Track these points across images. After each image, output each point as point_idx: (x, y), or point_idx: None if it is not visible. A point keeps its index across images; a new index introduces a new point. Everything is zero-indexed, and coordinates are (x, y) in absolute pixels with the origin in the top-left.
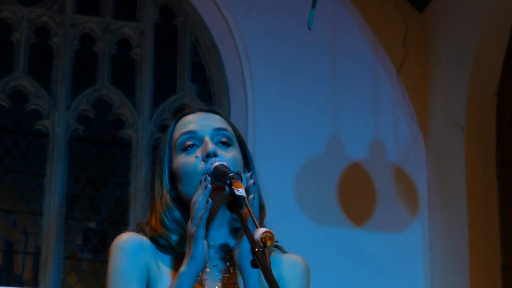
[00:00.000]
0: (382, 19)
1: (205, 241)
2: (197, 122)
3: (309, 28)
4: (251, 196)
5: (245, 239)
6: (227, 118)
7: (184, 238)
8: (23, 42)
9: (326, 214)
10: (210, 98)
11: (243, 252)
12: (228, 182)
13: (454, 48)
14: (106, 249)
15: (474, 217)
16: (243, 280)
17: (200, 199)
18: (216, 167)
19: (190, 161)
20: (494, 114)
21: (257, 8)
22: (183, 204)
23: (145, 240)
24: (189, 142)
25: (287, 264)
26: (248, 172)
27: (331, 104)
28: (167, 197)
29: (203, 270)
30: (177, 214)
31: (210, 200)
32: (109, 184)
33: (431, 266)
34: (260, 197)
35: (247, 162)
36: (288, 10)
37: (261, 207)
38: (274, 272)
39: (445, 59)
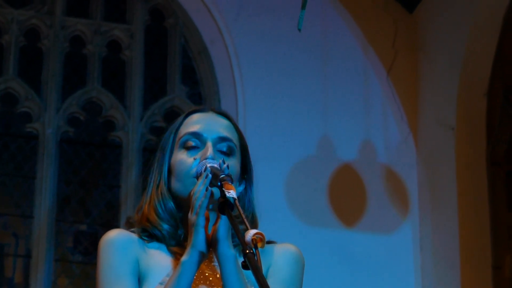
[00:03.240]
0: (372, 20)
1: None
2: (204, 124)
3: (299, 30)
4: (225, 165)
5: (221, 223)
6: (236, 123)
7: (175, 229)
8: (13, 44)
9: (317, 215)
10: (201, 100)
11: (218, 235)
12: (219, 184)
13: (444, 49)
14: (97, 251)
15: (464, 217)
16: (219, 263)
17: (200, 188)
18: (206, 169)
19: (187, 161)
20: (484, 115)
21: (247, 10)
22: (175, 197)
23: (133, 235)
24: (192, 143)
25: (278, 252)
26: (245, 181)
27: (321, 106)
28: (163, 187)
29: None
30: (171, 205)
31: (210, 188)
32: (100, 186)
33: (422, 267)
34: (253, 210)
35: (246, 170)
36: (278, 12)
37: (254, 220)
38: (265, 260)
39: (435, 60)
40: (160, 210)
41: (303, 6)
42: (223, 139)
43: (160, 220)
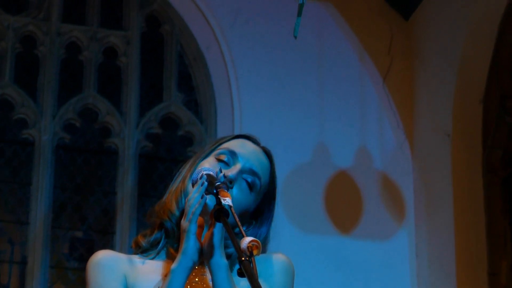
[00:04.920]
0: (368, 27)
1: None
2: (246, 152)
3: (295, 37)
4: (221, 173)
5: (215, 231)
6: (275, 170)
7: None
8: (9, 51)
9: (313, 222)
10: (197, 107)
11: (211, 244)
12: (215, 191)
13: (440, 56)
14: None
15: (460, 224)
16: (210, 271)
17: (195, 195)
18: (202, 176)
19: (210, 167)
20: (480, 122)
21: (243, 17)
22: None
23: (120, 255)
24: (225, 158)
25: (268, 261)
26: (255, 224)
27: (317, 112)
28: (188, 183)
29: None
30: None
31: (205, 195)
32: (96, 192)
33: (417, 273)
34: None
35: (260, 214)
36: (274, 19)
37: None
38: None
39: (431, 66)
40: (179, 201)
41: (299, 13)
42: (253, 172)
43: (177, 210)
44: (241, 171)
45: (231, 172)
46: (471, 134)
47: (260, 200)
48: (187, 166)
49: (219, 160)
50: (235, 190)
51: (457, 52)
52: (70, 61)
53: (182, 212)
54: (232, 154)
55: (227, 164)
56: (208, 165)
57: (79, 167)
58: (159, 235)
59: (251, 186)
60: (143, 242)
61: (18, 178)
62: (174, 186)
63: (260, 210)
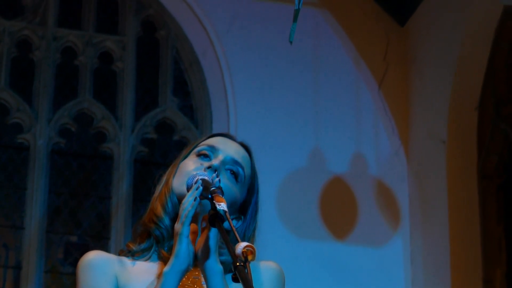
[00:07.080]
0: (364, 33)
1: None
2: (225, 144)
3: (291, 42)
4: (217, 178)
5: (211, 236)
6: (254, 163)
7: (171, 229)
8: (4, 55)
9: (308, 228)
10: (192, 112)
11: (207, 249)
12: (210, 196)
13: (435, 62)
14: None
15: (455, 231)
16: (204, 276)
17: (189, 199)
18: (197, 181)
19: (194, 163)
20: (475, 128)
21: (239, 22)
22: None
23: (111, 255)
24: (206, 152)
25: (259, 269)
26: (244, 217)
27: (312, 118)
28: (171, 184)
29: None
30: (175, 199)
31: (198, 198)
32: (91, 197)
33: (412, 280)
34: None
35: (246, 210)
36: (269, 24)
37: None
38: None
39: (426, 73)
40: (165, 203)
41: (295, 19)
42: (235, 162)
43: (165, 213)
44: (223, 162)
45: (214, 161)
46: (467, 140)
47: (245, 194)
48: (168, 170)
49: (200, 155)
50: (221, 179)
51: (452, 59)
52: (66, 65)
53: (169, 215)
54: (213, 148)
55: (209, 158)
56: (191, 163)
57: (74, 171)
58: (148, 243)
59: (236, 175)
60: (133, 246)
61: (13, 183)
62: (157, 191)
63: (246, 205)
